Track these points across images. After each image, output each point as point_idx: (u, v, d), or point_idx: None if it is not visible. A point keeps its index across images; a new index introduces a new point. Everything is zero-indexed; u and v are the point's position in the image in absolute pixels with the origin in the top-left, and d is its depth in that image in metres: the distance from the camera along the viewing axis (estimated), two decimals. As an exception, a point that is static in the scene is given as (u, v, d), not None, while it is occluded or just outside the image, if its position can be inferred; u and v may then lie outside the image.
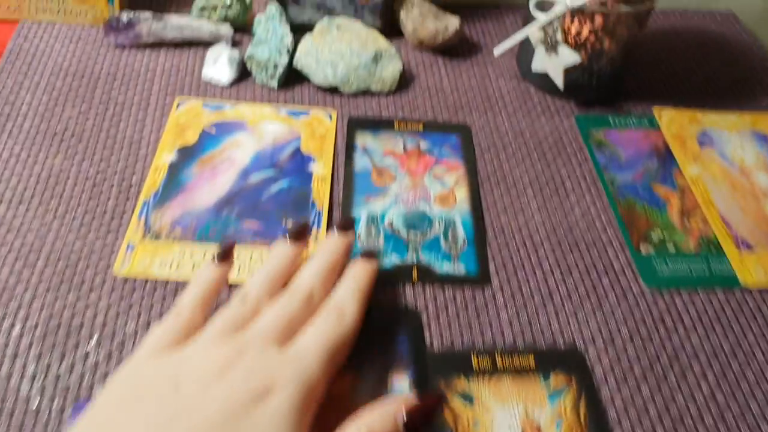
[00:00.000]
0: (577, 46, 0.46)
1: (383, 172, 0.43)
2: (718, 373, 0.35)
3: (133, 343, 0.34)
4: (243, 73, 0.50)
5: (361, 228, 0.40)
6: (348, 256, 0.35)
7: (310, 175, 0.42)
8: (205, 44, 0.52)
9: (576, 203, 0.43)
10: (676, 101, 0.52)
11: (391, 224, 0.40)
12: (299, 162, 0.43)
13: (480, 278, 0.38)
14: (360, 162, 0.44)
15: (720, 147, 0.48)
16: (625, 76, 0.54)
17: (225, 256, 0.33)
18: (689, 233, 0.42)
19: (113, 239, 0.38)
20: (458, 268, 0.38)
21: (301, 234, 0.35)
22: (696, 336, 0.37)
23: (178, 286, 0.36)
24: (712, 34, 0.60)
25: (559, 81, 0.48)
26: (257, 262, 0.37)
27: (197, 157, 0.43)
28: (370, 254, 0.35)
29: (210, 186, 0.41)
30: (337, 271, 0.34)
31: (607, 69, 0.48)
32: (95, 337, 0.34)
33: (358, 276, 0.33)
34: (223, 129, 0.45)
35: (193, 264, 0.37)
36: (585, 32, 0.46)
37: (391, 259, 0.38)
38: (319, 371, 0.28)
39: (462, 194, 0.43)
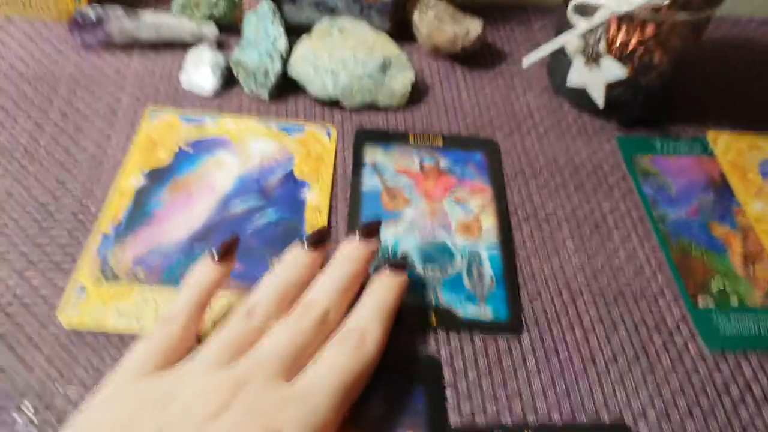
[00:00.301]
0: (623, 59, 0.44)
1: (396, 193, 0.40)
2: (796, 458, 0.32)
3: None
4: (229, 81, 0.47)
5: None
6: (369, 266, 0.33)
7: (302, 204, 0.39)
8: (185, 46, 0.49)
9: (620, 244, 0.40)
10: (732, 123, 0.49)
11: (404, 257, 0.37)
12: (291, 188, 0.40)
13: (511, 324, 0.35)
14: (369, 182, 0.41)
15: (786, 178, 0.45)
16: (676, 92, 0.51)
17: (226, 253, 0.31)
18: (755, 283, 0.39)
19: (62, 280, 0.35)
20: (485, 312, 0.35)
21: (320, 240, 0.33)
22: (769, 411, 0.33)
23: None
24: (769, 46, 0.58)
25: (599, 97, 0.45)
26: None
27: (170, 180, 0.40)
28: (397, 265, 0.33)
29: (184, 216, 0.38)
30: (357, 284, 0.32)
31: (656, 85, 0.46)
32: (27, 404, 0.30)
33: (383, 293, 0.31)
34: (203, 146, 0.42)
35: (156, 314, 0.33)
36: (633, 42, 0.43)
37: (405, 299, 0.35)
38: (331, 411, 0.26)
39: (489, 222, 0.40)
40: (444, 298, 0.36)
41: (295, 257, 0.32)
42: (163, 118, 0.44)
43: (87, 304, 0.33)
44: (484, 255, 0.38)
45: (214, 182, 0.40)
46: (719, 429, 0.33)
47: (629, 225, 0.41)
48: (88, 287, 0.34)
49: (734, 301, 0.38)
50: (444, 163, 0.43)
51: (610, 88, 0.45)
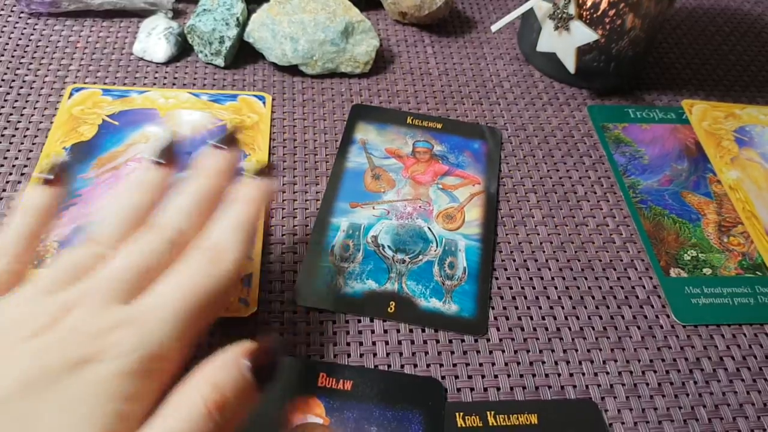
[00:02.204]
0: (593, 22, 0.41)
1: (380, 175, 0.38)
2: (769, 433, 0.30)
3: None
4: (185, 49, 0.44)
5: (337, 240, 0.34)
6: (230, 180, 0.29)
7: (239, 174, 0.37)
8: (141, 15, 0.46)
9: (590, 214, 0.38)
10: (707, 92, 0.47)
11: (375, 240, 0.35)
12: None
13: (476, 324, 0.32)
14: (355, 159, 0.39)
15: (762, 147, 0.43)
16: (649, 60, 0.49)
17: (56, 177, 0.27)
18: (729, 253, 0.37)
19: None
20: (450, 307, 0.33)
21: (169, 155, 0.28)
22: (742, 384, 0.32)
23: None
24: (747, 15, 0.56)
25: (570, 64, 0.43)
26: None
27: (95, 156, 0.37)
28: (263, 171, 0.29)
29: (111, 193, 0.35)
30: (216, 200, 0.28)
31: (629, 51, 0.43)
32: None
33: (243, 203, 0.27)
34: (128, 120, 0.39)
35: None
36: (603, 5, 0.40)
37: (366, 284, 0.33)
38: (170, 336, 0.22)
39: (473, 214, 0.37)
40: (408, 286, 0.33)
41: (141, 176, 0.27)
42: (84, 93, 0.41)
43: None
44: (462, 246, 0.35)
45: (142, 156, 0.37)
46: (690, 405, 0.31)
47: (599, 194, 0.39)
48: None
49: (707, 272, 0.36)
50: (439, 148, 0.40)
51: (582, 54, 0.43)
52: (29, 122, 0.39)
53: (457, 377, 0.30)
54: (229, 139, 0.29)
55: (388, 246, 0.35)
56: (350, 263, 0.34)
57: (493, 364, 0.31)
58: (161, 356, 0.22)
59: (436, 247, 0.35)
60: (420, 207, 0.37)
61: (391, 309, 0.32)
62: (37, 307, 0.22)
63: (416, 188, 0.38)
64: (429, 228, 0.36)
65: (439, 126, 0.41)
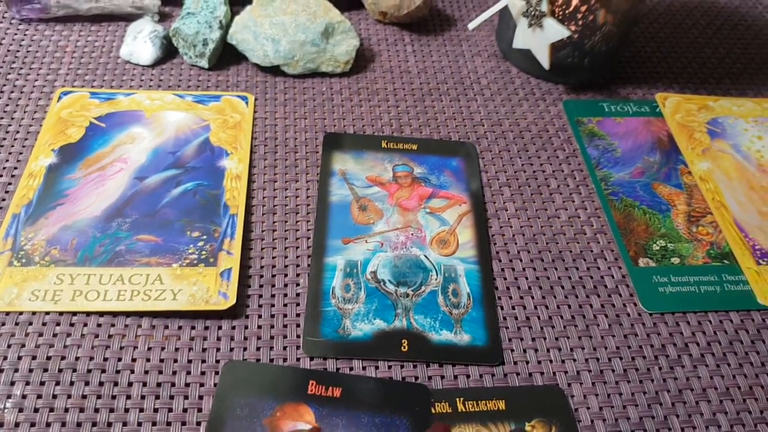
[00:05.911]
0: (566, 19, 0.41)
1: (367, 205, 0.36)
2: (732, 415, 0.31)
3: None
4: (170, 51, 0.45)
5: (336, 281, 0.33)
6: None
7: (222, 172, 0.37)
8: (127, 19, 0.47)
9: (562, 206, 0.38)
10: (682, 85, 0.47)
11: (374, 275, 0.34)
12: (208, 157, 0.38)
13: (490, 351, 0.31)
14: (338, 191, 0.37)
15: (734, 139, 0.44)
16: (623, 55, 0.49)
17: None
18: (697, 243, 0.37)
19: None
20: (462, 338, 0.32)
21: None
22: (705, 370, 0.32)
23: (60, 321, 0.31)
24: (723, 9, 0.56)
25: (544, 60, 0.43)
26: (154, 284, 0.32)
27: (82, 158, 0.38)
28: None
29: (97, 193, 0.36)
30: None
31: (602, 46, 0.44)
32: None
33: None
34: (114, 122, 0.40)
35: (73, 293, 0.31)
36: (575, 1, 0.41)
37: (374, 325, 0.32)
38: None
39: (466, 236, 0.36)
40: (417, 321, 0.32)
41: None
42: (73, 96, 0.41)
43: None
44: (461, 270, 0.34)
45: (128, 157, 0.38)
46: (654, 390, 0.31)
47: (572, 186, 0.40)
48: (0, 270, 0.32)
49: (675, 262, 0.36)
50: (419, 170, 0.39)
51: (555, 50, 0.43)
52: (19, 125, 0.40)
53: (427, 365, 0.31)
54: None
55: (389, 280, 0.33)
56: (354, 304, 0.32)
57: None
58: None
59: (437, 275, 0.34)
60: (412, 235, 0.36)
61: (404, 348, 0.31)
62: None
63: (405, 215, 0.37)
64: (425, 256, 0.35)
65: (415, 147, 0.40)
